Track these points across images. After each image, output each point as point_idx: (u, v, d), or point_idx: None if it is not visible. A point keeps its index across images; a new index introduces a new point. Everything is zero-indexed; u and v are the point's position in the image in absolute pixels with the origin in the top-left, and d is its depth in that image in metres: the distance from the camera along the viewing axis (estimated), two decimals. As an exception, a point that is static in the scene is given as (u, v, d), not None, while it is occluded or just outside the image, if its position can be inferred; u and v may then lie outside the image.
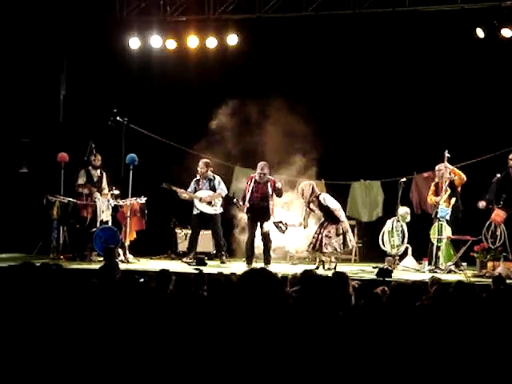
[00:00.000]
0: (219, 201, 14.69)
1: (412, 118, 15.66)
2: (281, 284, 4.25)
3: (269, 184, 13.97)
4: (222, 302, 5.85)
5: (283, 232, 14.01)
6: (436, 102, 15.53)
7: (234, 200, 14.25)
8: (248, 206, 13.91)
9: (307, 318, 4.97)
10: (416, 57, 15.54)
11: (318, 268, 13.33)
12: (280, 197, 14.07)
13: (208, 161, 14.91)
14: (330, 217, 13.68)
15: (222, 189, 14.73)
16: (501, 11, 14.86)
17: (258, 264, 13.80)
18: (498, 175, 13.65)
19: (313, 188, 13.82)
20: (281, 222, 13.94)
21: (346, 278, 6.78)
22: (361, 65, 15.93)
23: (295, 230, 14.13)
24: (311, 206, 13.78)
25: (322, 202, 13.68)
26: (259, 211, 13.91)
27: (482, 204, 13.66)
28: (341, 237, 13.61)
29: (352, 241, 13.98)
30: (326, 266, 13.58)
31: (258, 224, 13.94)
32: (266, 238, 13.95)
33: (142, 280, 7.94)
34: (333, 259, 13.72)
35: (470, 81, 15.30)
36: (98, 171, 14.92)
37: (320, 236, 13.60)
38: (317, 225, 13.87)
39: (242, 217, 14.47)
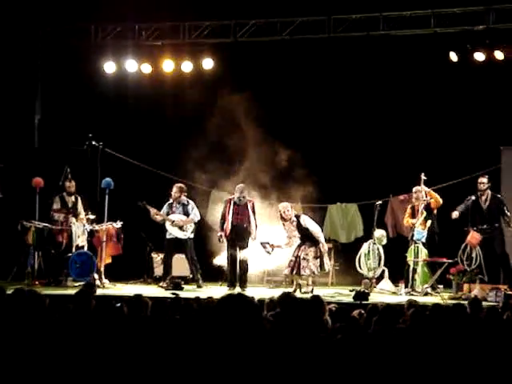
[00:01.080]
0: (191, 226, 14.66)
1: (388, 141, 15.75)
2: (258, 309, 4.23)
3: (248, 205, 13.99)
4: (198, 327, 5.81)
5: (269, 253, 13.99)
6: (411, 125, 15.62)
7: (218, 235, 14.19)
8: (229, 229, 13.91)
9: (285, 342, 4.95)
10: (391, 80, 15.65)
11: (295, 291, 13.29)
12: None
13: (182, 186, 14.88)
14: (308, 239, 13.67)
15: (195, 214, 14.70)
16: (473, 35, 15.03)
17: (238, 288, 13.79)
18: (473, 197, 13.73)
19: (293, 209, 13.83)
20: (267, 243, 13.93)
21: (322, 302, 6.78)
22: (335, 89, 16.01)
23: (280, 252, 14.10)
24: (290, 227, 13.74)
25: (302, 223, 13.68)
26: (239, 233, 13.93)
27: (455, 214, 13.71)
28: (318, 260, 13.61)
29: (328, 264, 13.99)
30: (303, 290, 13.55)
31: (238, 247, 13.94)
32: (244, 262, 13.93)
33: (119, 305, 7.87)
34: (310, 282, 13.70)
35: (444, 104, 15.43)
36: (73, 196, 14.86)
37: (298, 259, 13.59)
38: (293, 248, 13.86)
39: (218, 241, 14.44)
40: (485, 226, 13.69)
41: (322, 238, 13.75)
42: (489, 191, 13.90)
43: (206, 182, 15.84)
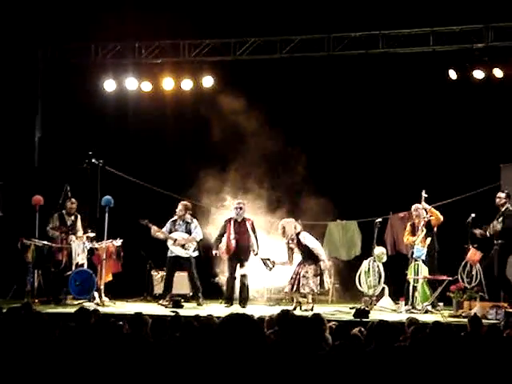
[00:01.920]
0: (193, 244, 14.66)
1: (388, 159, 15.77)
2: (261, 329, 4.22)
3: (247, 223, 14.00)
4: (199, 346, 5.80)
5: (270, 269, 14.00)
6: (411, 143, 15.65)
7: (214, 252, 14.23)
8: (232, 247, 13.95)
9: (286, 360, 4.94)
10: (390, 98, 15.69)
11: (295, 309, 13.27)
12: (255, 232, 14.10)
13: (188, 204, 14.89)
14: (308, 256, 13.66)
15: (197, 233, 14.69)
16: (472, 53, 15.08)
17: (235, 305, 13.77)
18: (473, 215, 13.69)
19: (295, 226, 13.83)
20: (268, 260, 13.93)
21: (323, 320, 6.77)
22: (335, 106, 16.05)
23: (281, 269, 14.09)
24: (290, 244, 13.76)
25: (302, 240, 13.68)
26: (239, 251, 13.94)
27: (479, 231, 13.60)
28: (318, 277, 13.59)
29: (328, 282, 13.97)
30: (303, 307, 13.53)
31: (238, 264, 13.96)
32: (243, 279, 13.94)
33: (121, 323, 7.86)
34: (310, 300, 13.67)
35: (444, 121, 15.45)
36: (73, 215, 14.87)
37: (298, 276, 13.58)
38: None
39: (220, 259, 14.46)
40: (495, 242, 13.54)
41: (322, 256, 13.73)
42: (508, 205, 13.63)
43: (206, 200, 15.83)
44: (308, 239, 13.74)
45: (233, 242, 13.97)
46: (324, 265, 13.70)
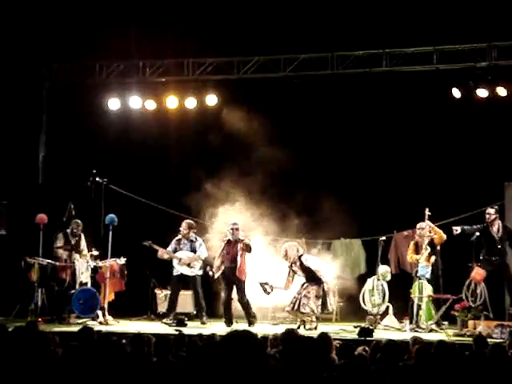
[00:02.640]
0: (198, 263, 14.66)
1: (392, 177, 15.75)
2: (262, 347, 4.20)
3: (238, 245, 13.97)
4: (202, 364, 5.78)
5: (268, 294, 13.98)
6: (415, 162, 15.65)
7: (207, 268, 14.26)
8: (222, 268, 13.95)
9: (289, 380, 4.92)
10: (394, 117, 15.69)
11: (299, 328, 13.22)
12: (250, 252, 14.02)
13: (192, 222, 14.89)
14: (311, 278, 13.63)
15: (202, 251, 14.69)
16: (476, 72, 15.10)
17: (239, 325, 13.72)
18: (477, 233, 13.68)
19: (297, 249, 13.82)
20: (267, 284, 13.90)
21: (330, 340, 6.74)
22: (339, 125, 16.06)
23: (280, 292, 14.07)
24: (293, 267, 13.74)
25: (304, 262, 13.65)
26: (230, 273, 13.94)
27: (456, 229, 13.66)
28: (320, 300, 13.53)
29: (332, 304, 13.88)
30: (307, 326, 13.49)
31: (234, 286, 13.95)
32: (241, 300, 13.92)
33: (124, 341, 7.84)
34: (313, 319, 13.63)
35: (447, 140, 15.45)
36: (76, 234, 14.89)
37: (299, 296, 13.55)
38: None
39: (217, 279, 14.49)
40: (493, 258, 13.63)
41: (325, 277, 13.69)
42: (499, 221, 13.83)
43: (209, 219, 15.82)
44: (310, 261, 13.72)
45: (223, 263, 13.97)
46: (327, 286, 13.65)
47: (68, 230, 14.84)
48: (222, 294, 14.06)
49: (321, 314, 13.76)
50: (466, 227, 13.76)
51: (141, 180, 16.54)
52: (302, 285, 13.70)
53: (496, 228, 13.82)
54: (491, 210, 13.84)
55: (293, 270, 13.75)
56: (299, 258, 13.71)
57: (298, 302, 13.51)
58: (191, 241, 14.76)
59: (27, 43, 16.17)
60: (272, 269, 14.34)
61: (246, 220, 14.47)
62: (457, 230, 13.69)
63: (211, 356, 4.30)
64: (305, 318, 13.67)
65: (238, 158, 15.48)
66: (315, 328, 13.21)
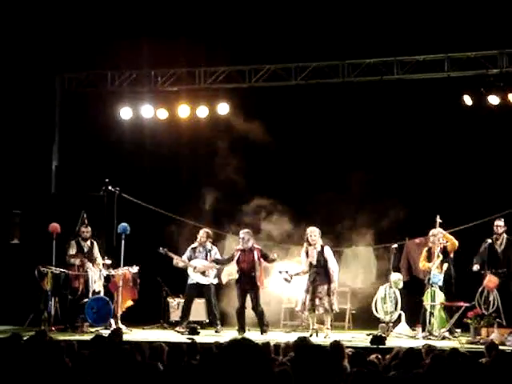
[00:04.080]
0: (213, 271, 14.68)
1: (404, 185, 15.72)
2: (264, 354, 4.17)
3: (254, 252, 13.99)
4: (213, 372, 5.78)
5: (289, 282, 13.97)
6: (428, 169, 15.63)
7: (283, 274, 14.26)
8: (237, 276, 13.96)
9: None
10: (405, 124, 15.68)
11: (311, 335, 13.21)
12: (269, 261, 14.07)
13: (209, 231, 14.93)
14: (321, 273, 13.57)
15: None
16: (487, 79, 15.09)
17: (251, 333, 13.74)
18: (489, 241, 13.67)
19: (319, 237, 13.76)
20: (286, 272, 13.91)
21: (342, 348, 6.74)
22: (350, 133, 16.05)
23: (298, 280, 14.02)
24: (309, 250, 13.67)
25: (325, 253, 13.60)
26: (247, 281, 13.95)
27: (475, 267, 13.66)
28: (331, 297, 13.54)
29: (336, 305, 13.81)
30: (322, 334, 13.44)
31: (248, 294, 13.96)
32: (256, 309, 13.92)
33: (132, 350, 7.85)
34: (328, 325, 13.58)
35: (459, 147, 15.43)
36: (89, 242, 14.92)
37: (313, 296, 13.52)
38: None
39: (225, 285, 14.53)
40: (500, 271, 13.62)
41: (335, 277, 13.66)
42: (504, 235, 13.86)
43: (221, 227, 15.86)
44: (330, 255, 13.70)
45: (237, 271, 14.00)
46: (334, 286, 13.63)
47: (80, 238, 14.87)
48: (237, 302, 14.06)
49: (332, 312, 13.68)
50: (478, 257, 13.73)
51: (153, 189, 16.57)
52: (313, 282, 13.61)
53: (500, 242, 13.82)
54: (500, 223, 13.82)
55: (307, 253, 13.68)
56: (322, 246, 13.69)
57: (311, 303, 13.48)
58: (207, 249, 14.79)
59: (39, 53, 16.25)
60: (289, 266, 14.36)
61: (257, 226, 14.51)
62: (477, 267, 13.68)
63: (213, 363, 4.28)
64: (318, 325, 13.65)
65: (249, 166, 15.50)
66: (328, 336, 13.19)
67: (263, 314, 14.04)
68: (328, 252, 13.72)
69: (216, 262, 14.51)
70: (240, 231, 14.19)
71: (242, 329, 13.92)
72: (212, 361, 6.56)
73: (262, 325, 13.95)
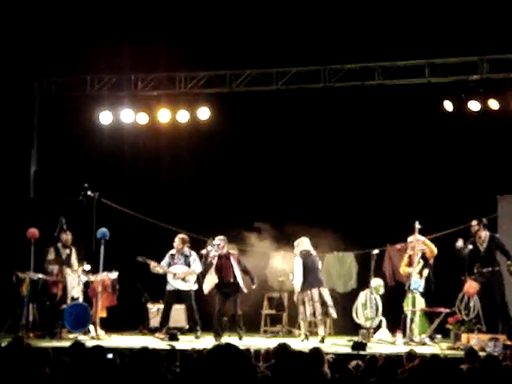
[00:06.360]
0: (193, 277, 14.61)
1: (384, 191, 15.74)
2: (248, 360, 4.13)
3: (231, 258, 13.98)
4: (194, 379, 5.72)
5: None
6: (407, 175, 15.64)
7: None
8: (216, 282, 13.91)
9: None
10: (386, 130, 15.70)
11: (303, 340, 13.26)
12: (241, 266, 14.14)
13: (185, 237, 14.82)
14: (319, 278, 13.90)
15: (196, 266, 14.64)
16: (468, 85, 15.13)
17: (230, 338, 13.68)
18: (470, 246, 13.65)
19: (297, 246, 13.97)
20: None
21: (321, 355, 6.70)
22: (331, 138, 16.06)
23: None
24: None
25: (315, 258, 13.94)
26: (227, 286, 13.94)
27: (460, 242, 13.64)
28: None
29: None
30: (314, 339, 13.45)
31: (228, 299, 13.95)
32: (235, 314, 13.93)
33: (111, 356, 7.77)
34: (322, 331, 13.58)
35: (439, 153, 15.47)
36: (68, 248, 14.81)
37: (323, 301, 13.57)
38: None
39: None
40: (484, 270, 13.59)
41: (295, 286, 13.76)
42: (486, 232, 13.78)
43: (202, 233, 15.78)
44: (296, 264, 13.74)
45: (218, 278, 13.94)
46: (295, 297, 13.80)
47: (59, 244, 14.75)
48: (216, 308, 14.00)
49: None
50: (461, 245, 13.76)
51: (133, 194, 16.49)
52: (317, 291, 13.64)
53: (482, 239, 13.81)
54: (473, 222, 13.84)
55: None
56: (295, 256, 13.81)
57: (324, 308, 13.51)
58: (185, 255, 14.70)
59: (18, 57, 16.14)
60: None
61: (238, 233, 14.45)
62: (461, 242, 13.67)
63: (196, 369, 4.23)
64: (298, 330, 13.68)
65: (229, 169, 15.45)
66: (322, 340, 13.22)
67: (240, 319, 14.02)
68: (294, 261, 13.82)
69: (203, 269, 14.36)
70: (216, 237, 14.15)
71: (218, 334, 13.87)
72: (194, 367, 6.51)
73: (240, 329, 13.91)
